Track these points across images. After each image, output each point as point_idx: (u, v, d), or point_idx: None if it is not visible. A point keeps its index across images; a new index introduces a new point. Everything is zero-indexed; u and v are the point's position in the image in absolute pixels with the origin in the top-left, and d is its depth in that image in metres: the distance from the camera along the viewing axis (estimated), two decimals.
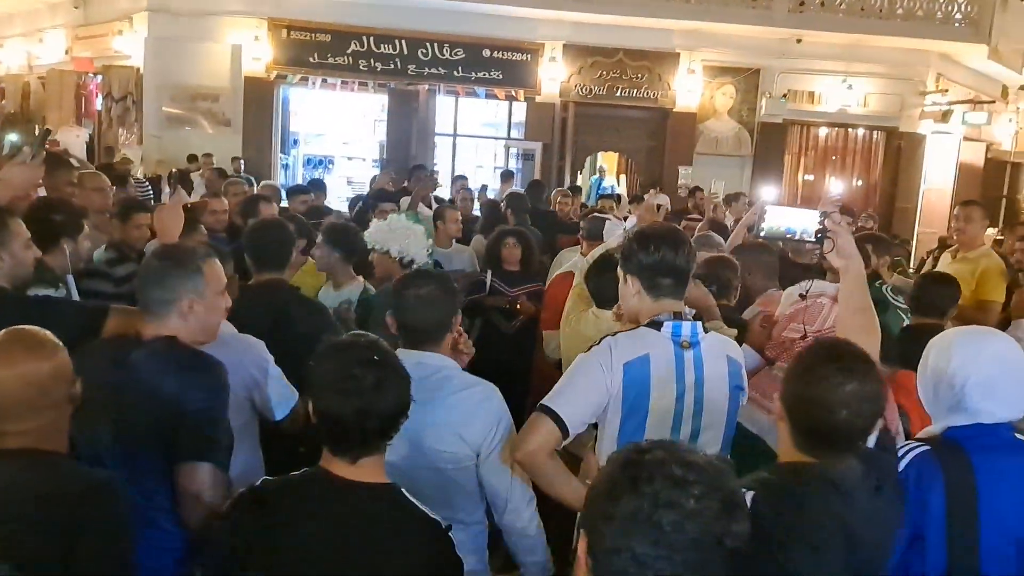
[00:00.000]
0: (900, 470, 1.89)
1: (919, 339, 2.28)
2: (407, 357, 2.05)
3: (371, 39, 12.41)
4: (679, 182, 12.96)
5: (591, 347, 2.28)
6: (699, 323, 2.29)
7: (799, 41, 12.76)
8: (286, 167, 13.38)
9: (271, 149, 12.62)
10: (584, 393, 2.21)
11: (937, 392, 1.97)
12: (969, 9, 12.71)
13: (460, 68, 12.63)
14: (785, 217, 2.21)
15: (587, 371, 2.23)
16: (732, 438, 2.35)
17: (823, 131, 13.80)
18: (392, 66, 12.53)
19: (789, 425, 1.72)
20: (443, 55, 12.58)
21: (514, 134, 13.40)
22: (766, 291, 3.43)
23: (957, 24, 12.75)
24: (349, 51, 12.41)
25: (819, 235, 2.10)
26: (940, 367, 1.96)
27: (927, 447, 1.93)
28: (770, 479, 1.67)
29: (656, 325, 2.24)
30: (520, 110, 13.25)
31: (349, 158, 14.62)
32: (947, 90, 13.37)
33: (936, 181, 14.18)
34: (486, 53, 12.66)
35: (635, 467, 1.17)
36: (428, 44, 12.51)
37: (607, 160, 14.96)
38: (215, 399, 2.10)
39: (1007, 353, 1.94)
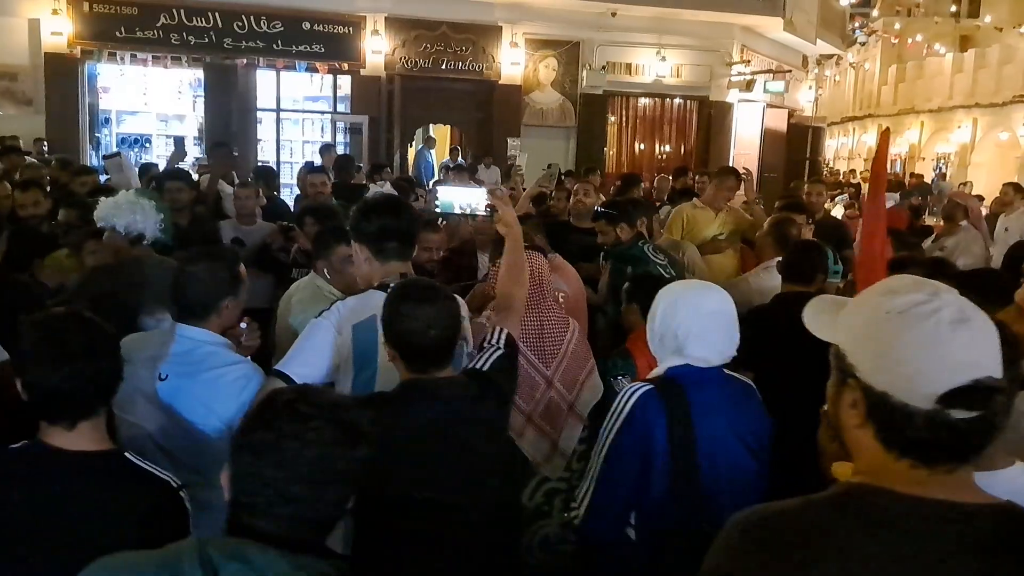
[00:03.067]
0: (629, 407, 2.08)
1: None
2: (177, 331, 2.13)
3: (182, 12, 11.91)
4: (508, 153, 13.29)
5: (321, 311, 2.43)
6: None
7: (614, 15, 13.32)
8: (98, 147, 12.62)
9: (79, 129, 11.87)
10: (315, 354, 2.34)
11: (663, 339, 2.18)
12: None
13: (279, 41, 12.35)
14: (457, 195, 2.55)
15: (318, 334, 2.37)
16: None
17: (642, 101, 14.51)
18: (207, 40, 12.08)
19: (398, 355, 1.98)
20: (260, 28, 12.25)
21: (341, 108, 13.25)
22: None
23: None
24: (159, 24, 11.86)
25: (488, 209, 2.47)
26: (667, 318, 2.17)
27: (651, 386, 2.13)
28: (383, 394, 1.96)
29: (384, 287, 2.38)
30: (347, 84, 13.12)
31: (168, 136, 13.95)
32: (750, 61, 14.37)
33: (745, 146, 15.26)
34: (306, 26, 12.44)
35: (269, 407, 1.37)
36: (244, 17, 12.14)
37: (437, 133, 15.09)
38: None
39: (720, 306, 2.16)
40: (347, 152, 11.56)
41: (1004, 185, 8.48)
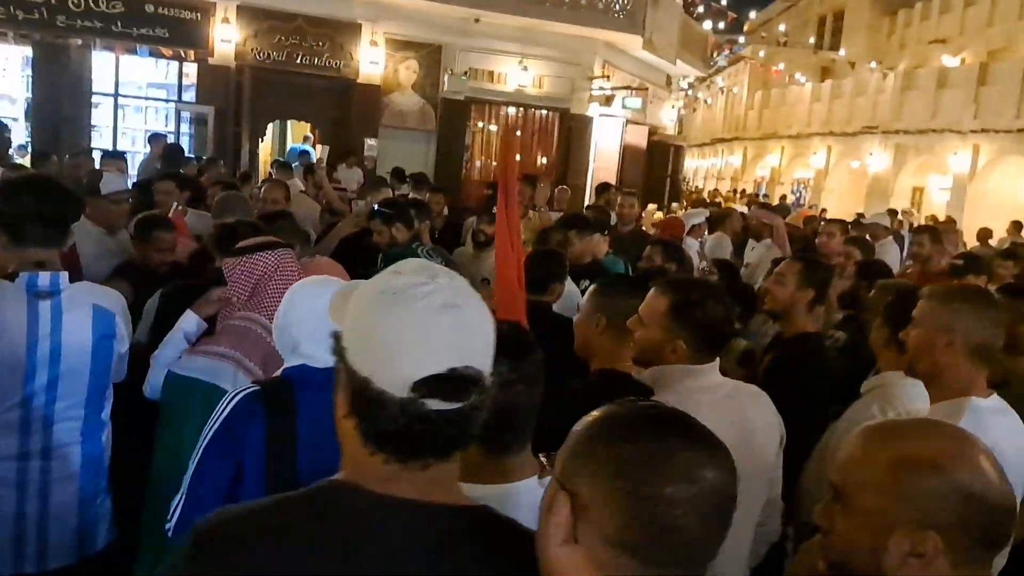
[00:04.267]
0: (227, 411, 1.93)
1: None
2: None
3: None
4: (365, 154, 13.00)
5: None
6: (63, 273, 2.24)
7: (477, 21, 13.27)
8: None
9: None
10: None
11: (281, 337, 2.07)
12: (625, 2, 13.96)
13: (119, 22, 11.63)
14: None
15: None
16: (105, 385, 2.34)
17: (503, 110, 14.52)
18: (37, 15, 11.22)
19: None
20: (98, 7, 11.49)
21: (187, 98, 12.62)
22: None
23: (616, 15, 13.95)
24: None
25: None
26: (284, 314, 2.06)
27: (256, 387, 2.01)
28: None
29: (11, 277, 2.18)
30: (194, 72, 12.50)
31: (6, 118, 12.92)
32: (609, 76, 14.63)
33: (604, 159, 15.53)
34: (149, 8, 11.77)
35: None
36: None
37: (296, 129, 14.63)
38: None
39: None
40: (181, 143, 11.00)
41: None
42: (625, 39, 14.45)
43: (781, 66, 27.17)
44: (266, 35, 12.45)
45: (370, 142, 13.18)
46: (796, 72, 27.21)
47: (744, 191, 25.74)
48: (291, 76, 12.69)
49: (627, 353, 2.17)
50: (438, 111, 13.72)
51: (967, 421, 1.91)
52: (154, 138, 9.02)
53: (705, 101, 34.76)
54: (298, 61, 12.66)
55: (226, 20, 12.14)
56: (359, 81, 13.06)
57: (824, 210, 19.94)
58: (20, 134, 11.96)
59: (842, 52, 27.21)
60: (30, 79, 11.85)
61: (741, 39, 26.60)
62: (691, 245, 6.62)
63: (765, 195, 24.12)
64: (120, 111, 12.66)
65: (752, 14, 23.42)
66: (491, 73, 14.02)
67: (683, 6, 17.28)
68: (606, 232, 4.96)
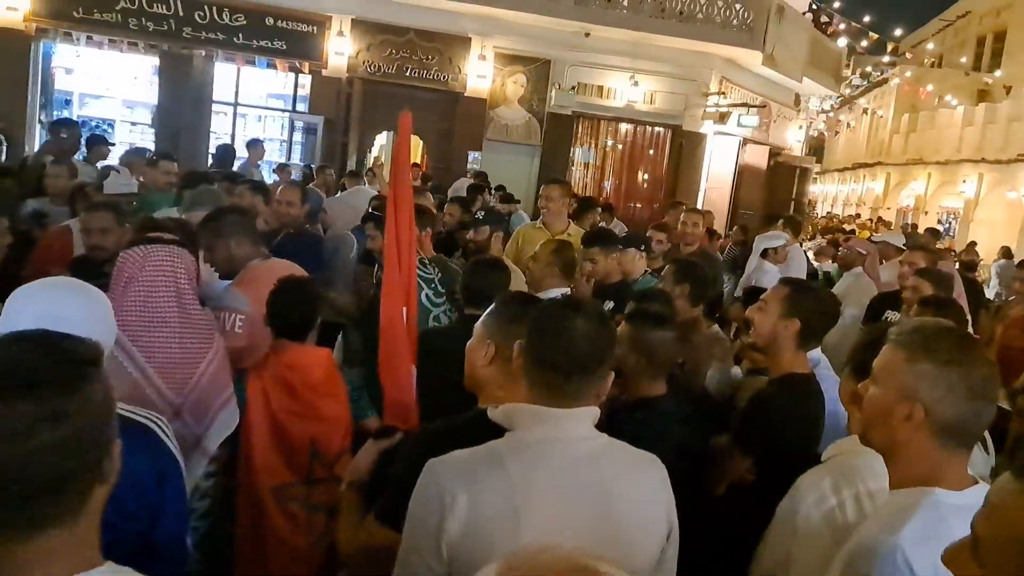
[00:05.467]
0: None
1: None
2: None
3: None
4: (468, 166, 12.99)
5: None
6: None
7: (587, 35, 13.03)
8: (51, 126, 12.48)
9: (27, 108, 11.74)
10: None
11: None
12: (746, 15, 13.31)
13: (240, 35, 12.18)
14: None
15: None
16: None
17: (612, 125, 14.16)
18: (165, 27, 11.93)
19: None
20: (222, 20, 12.09)
21: (301, 108, 13.05)
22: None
23: (734, 29, 13.32)
24: (118, 7, 11.71)
25: None
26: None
27: None
28: None
29: None
30: (308, 84, 12.92)
31: (133, 123, 13.86)
32: (725, 93, 13.97)
33: (718, 180, 14.84)
34: (269, 21, 12.26)
35: None
36: (206, 7, 11.98)
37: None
38: None
39: (58, 310, 1.71)
40: (293, 151, 11.35)
41: None
42: (744, 54, 13.77)
43: (930, 87, 25.25)
44: (378, 48, 12.69)
45: (473, 155, 13.17)
46: (947, 94, 25.21)
47: (881, 219, 24.06)
48: (399, 88, 12.87)
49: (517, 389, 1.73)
50: (544, 125, 13.54)
51: (921, 518, 1.44)
52: (252, 144, 9.32)
53: (848, 124, 32.91)
54: (407, 74, 12.82)
55: (340, 33, 12.47)
56: (466, 94, 13.09)
57: (973, 243, 18.27)
58: (148, 140, 12.75)
59: (998, 73, 24.97)
60: (157, 87, 12.60)
61: (885, 58, 24.89)
62: (768, 270, 6.08)
63: (912, 224, 22.29)
64: (241, 120, 13.25)
65: (896, 31, 21.83)
66: (600, 88, 13.71)
67: (814, 22, 16.33)
68: (643, 248, 4.54)
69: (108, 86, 13.19)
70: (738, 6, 13.25)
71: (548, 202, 4.97)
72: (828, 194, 38.46)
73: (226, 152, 7.29)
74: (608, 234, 4.37)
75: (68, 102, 13.18)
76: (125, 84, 13.32)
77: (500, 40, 13.09)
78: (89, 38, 11.80)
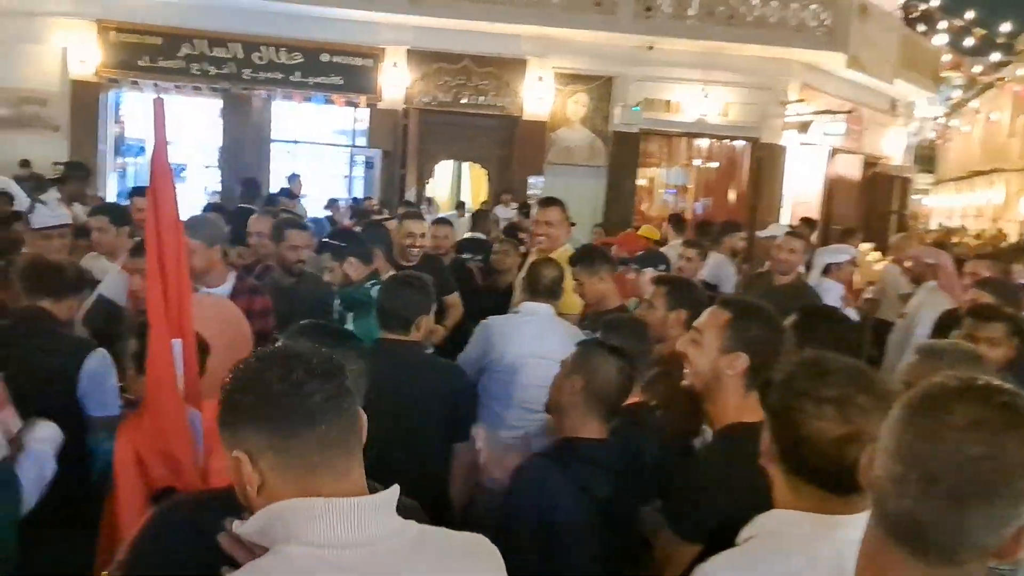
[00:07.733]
0: None
1: None
2: None
3: (204, 42, 11.99)
4: (528, 191, 12.50)
5: None
6: None
7: (651, 48, 12.41)
8: (123, 175, 12.89)
9: (97, 155, 12.08)
10: None
11: None
12: (824, 17, 12.37)
13: (298, 73, 12.20)
14: None
15: None
16: None
17: (685, 142, 13.41)
18: (227, 70, 12.09)
19: None
20: (280, 59, 12.16)
21: (360, 142, 12.95)
22: None
23: (812, 32, 12.39)
24: (181, 54, 11.97)
25: None
26: None
27: None
28: None
29: None
30: (366, 117, 12.81)
31: (207, 167, 14.16)
32: (804, 99, 12.97)
33: (804, 193, 13.78)
34: (325, 58, 12.25)
35: None
36: (263, 48, 12.09)
37: (473, 171, 14.46)
38: None
39: None
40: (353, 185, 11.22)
41: None
42: (826, 57, 12.80)
43: None
44: (433, 77, 12.47)
45: (534, 180, 12.67)
46: None
47: (1000, 230, 22.01)
48: (456, 116, 12.59)
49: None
50: (609, 146, 12.93)
51: None
52: (290, 179, 9.18)
53: (960, 128, 30.58)
54: (463, 101, 12.53)
55: (395, 65, 12.32)
56: (524, 118, 12.66)
57: None
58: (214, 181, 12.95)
59: None
60: (221, 129, 12.78)
61: (994, 56, 22.94)
62: (829, 288, 5.28)
63: None
64: (303, 156, 13.28)
65: (1005, 26, 19.97)
66: (667, 103, 12.98)
67: (904, 19, 15.11)
68: (665, 269, 3.87)
69: (177, 131, 13.50)
70: (815, 7, 12.33)
71: (548, 227, 4.32)
72: (943, 207, 35.83)
73: (252, 185, 7.12)
74: (593, 253, 3.66)
75: (142, 149, 13.56)
76: (194, 128, 13.62)
77: (558, 60, 12.62)
78: (155, 85, 12.08)
